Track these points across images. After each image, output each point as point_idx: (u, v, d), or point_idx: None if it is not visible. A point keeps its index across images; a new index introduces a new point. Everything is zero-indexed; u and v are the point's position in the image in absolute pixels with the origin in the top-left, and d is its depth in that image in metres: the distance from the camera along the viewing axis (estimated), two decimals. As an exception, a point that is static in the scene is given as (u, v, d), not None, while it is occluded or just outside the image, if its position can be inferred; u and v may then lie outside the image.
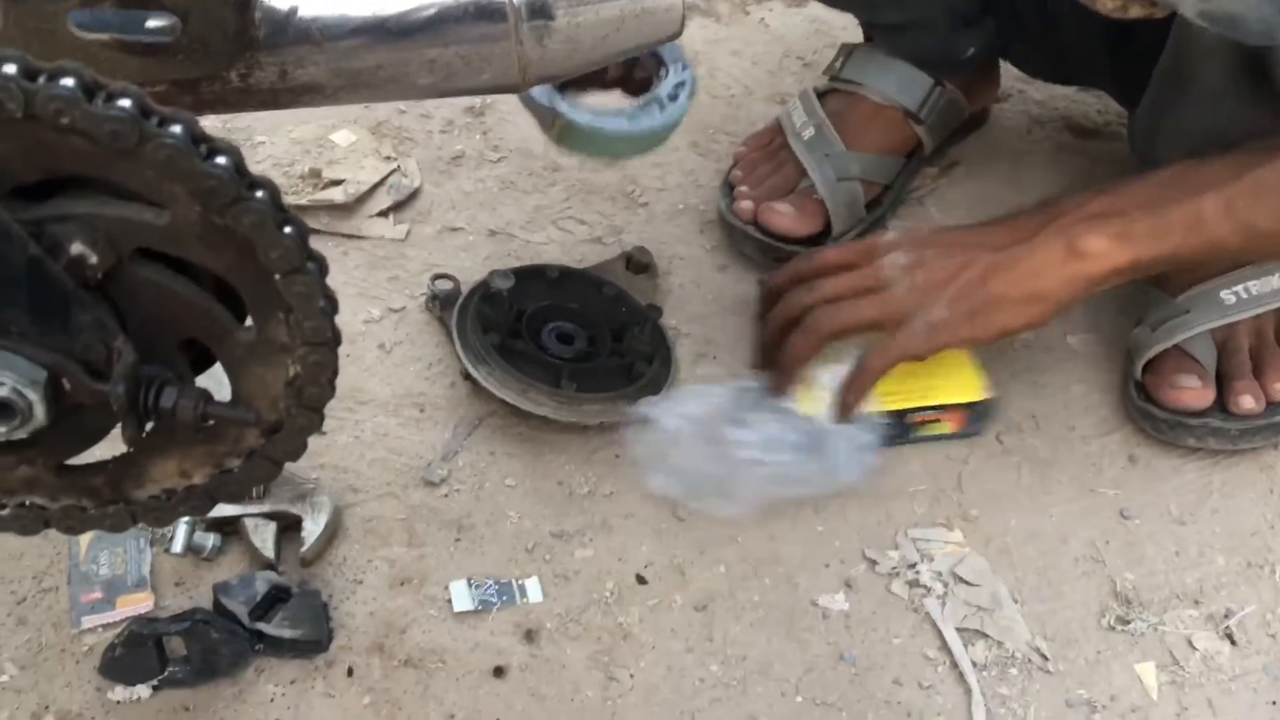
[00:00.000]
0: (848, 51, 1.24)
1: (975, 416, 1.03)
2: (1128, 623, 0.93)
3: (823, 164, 1.17)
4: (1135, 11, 0.53)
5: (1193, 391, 1.03)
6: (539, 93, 0.90)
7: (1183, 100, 0.97)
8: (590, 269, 1.15)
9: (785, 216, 1.16)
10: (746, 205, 1.18)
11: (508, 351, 1.03)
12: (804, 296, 0.96)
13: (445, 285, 1.12)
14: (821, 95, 1.22)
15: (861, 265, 0.96)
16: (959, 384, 1.03)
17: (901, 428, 1.01)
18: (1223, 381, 1.04)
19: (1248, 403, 1.02)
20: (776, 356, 0.97)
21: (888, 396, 0.98)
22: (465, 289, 1.10)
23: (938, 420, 1.01)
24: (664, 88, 0.94)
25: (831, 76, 1.23)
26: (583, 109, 0.92)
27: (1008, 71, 1.33)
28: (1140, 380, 1.06)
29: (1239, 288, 1.04)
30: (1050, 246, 0.91)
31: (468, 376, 1.05)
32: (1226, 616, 0.94)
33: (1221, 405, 1.03)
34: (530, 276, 1.10)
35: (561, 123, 0.92)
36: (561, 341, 1.07)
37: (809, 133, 1.19)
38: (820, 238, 1.17)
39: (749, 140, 1.26)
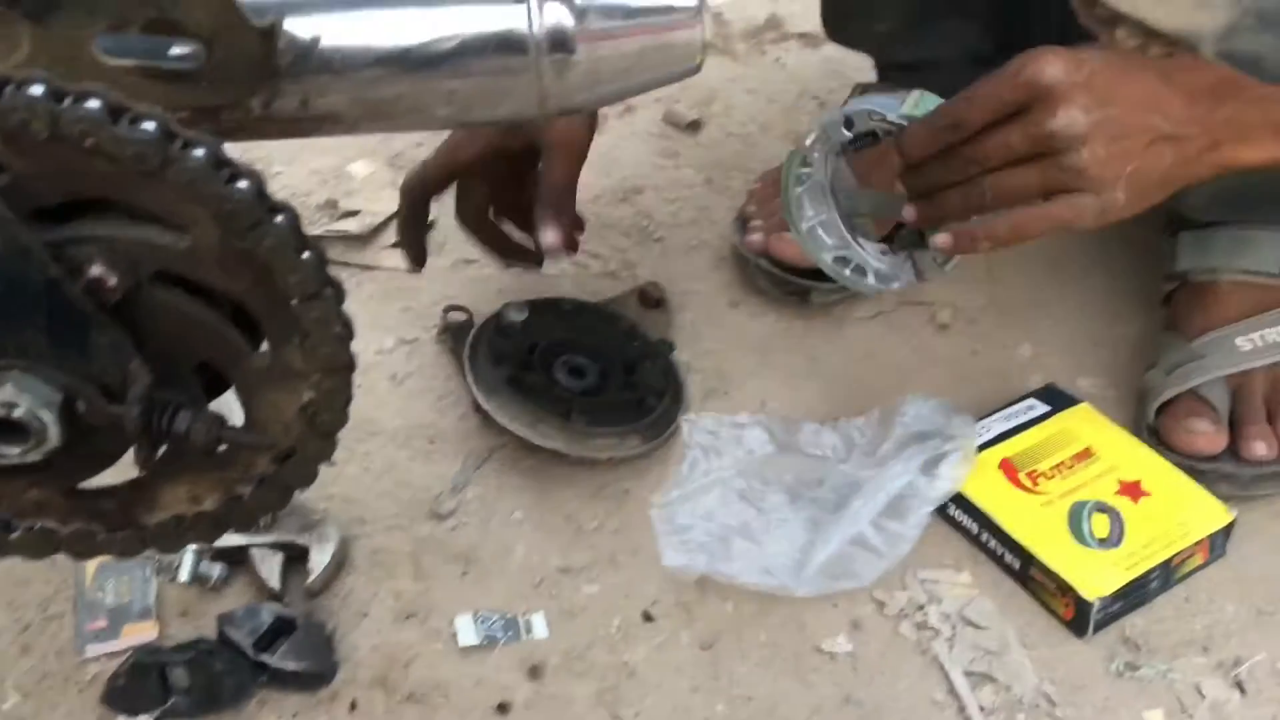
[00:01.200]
0: (860, 90, 1.24)
1: (1220, 539, 0.99)
2: (1136, 669, 0.93)
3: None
4: (1154, 52, 0.54)
5: (1205, 436, 1.02)
6: (885, 265, 0.90)
7: None
8: (604, 303, 1.15)
9: (796, 246, 1.16)
10: (758, 238, 1.18)
11: (519, 384, 1.03)
12: (958, 171, 0.85)
13: (458, 317, 1.12)
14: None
15: (1025, 109, 0.82)
16: (1204, 512, 0.99)
17: (1166, 575, 0.96)
18: (1236, 427, 1.03)
19: (1260, 449, 1.02)
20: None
21: (1144, 550, 0.96)
22: (479, 321, 1.10)
23: (1193, 555, 0.98)
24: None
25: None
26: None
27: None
28: (1153, 424, 1.06)
29: (1255, 335, 1.04)
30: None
31: (479, 409, 1.05)
32: (1236, 664, 0.93)
33: (1234, 451, 1.03)
34: (544, 309, 1.11)
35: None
36: (573, 375, 1.07)
37: (806, 170, 1.19)
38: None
39: (764, 176, 1.26)
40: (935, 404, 1.04)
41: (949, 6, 1.07)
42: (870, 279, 0.93)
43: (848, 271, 0.93)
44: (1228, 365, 1.04)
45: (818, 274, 1.13)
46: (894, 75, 1.24)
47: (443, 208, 1.26)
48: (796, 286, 1.15)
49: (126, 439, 0.62)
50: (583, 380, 1.06)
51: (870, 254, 0.93)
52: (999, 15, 1.15)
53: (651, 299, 1.16)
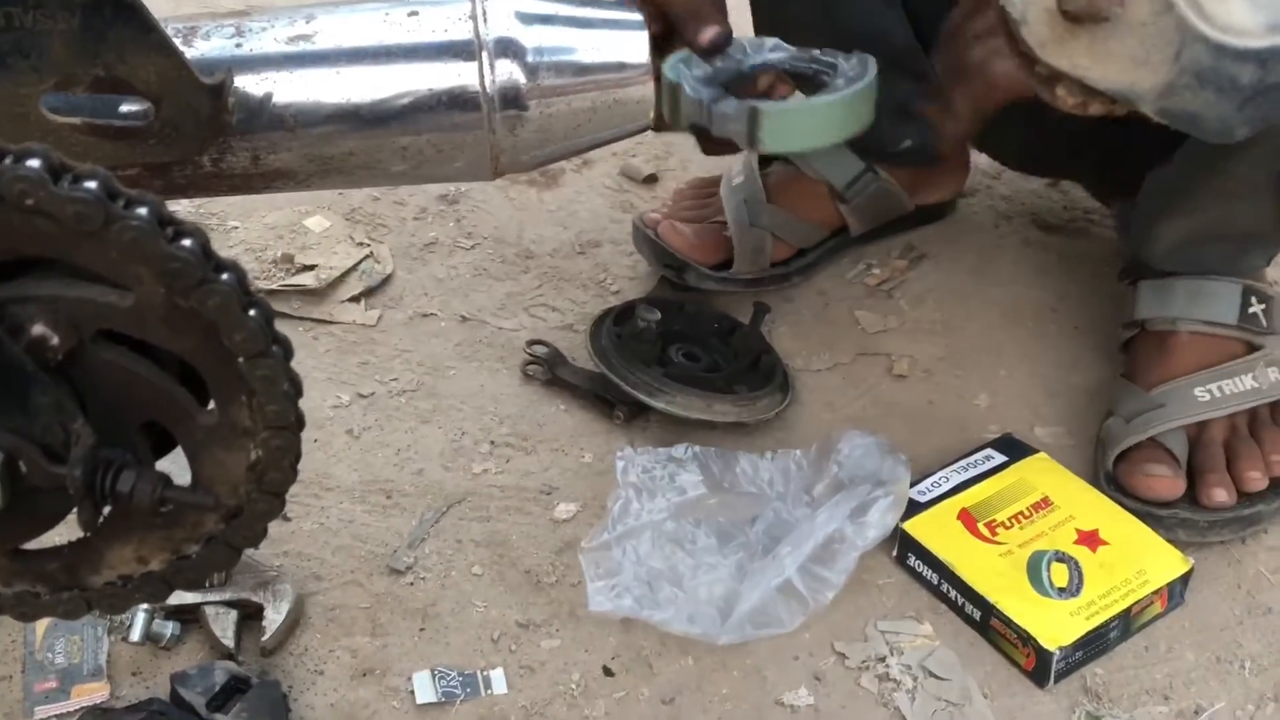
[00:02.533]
0: None
1: (1179, 587, 0.99)
2: (1098, 718, 0.92)
3: (739, 205, 1.23)
4: (1095, 109, 0.54)
5: (1164, 480, 1.03)
6: (729, 104, 0.82)
7: (1199, 189, 0.98)
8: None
9: (682, 236, 1.23)
10: (654, 216, 1.26)
11: (672, 378, 1.10)
12: None
13: (543, 349, 1.17)
14: (766, 160, 1.26)
15: None
16: (1162, 561, 0.98)
17: (1126, 624, 0.96)
18: (1195, 474, 1.04)
19: (1220, 495, 1.02)
20: None
21: (1103, 600, 0.96)
22: (553, 332, 1.19)
23: (1152, 603, 0.98)
24: (841, 74, 0.86)
25: None
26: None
27: (974, 166, 1.35)
28: (1111, 471, 1.06)
29: (1213, 386, 1.05)
30: None
31: (633, 415, 1.12)
32: (1197, 713, 0.93)
33: (1192, 498, 1.03)
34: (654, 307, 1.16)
35: (767, 116, 0.81)
36: (691, 360, 1.14)
37: (738, 179, 1.24)
38: (721, 267, 1.23)
39: (691, 181, 1.32)
40: (871, 442, 1.05)
41: (881, 57, 1.06)
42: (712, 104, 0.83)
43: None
44: (1186, 415, 1.05)
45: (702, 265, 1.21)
46: None
47: (413, 279, 1.26)
48: (675, 262, 1.22)
49: (70, 500, 0.62)
50: (700, 361, 1.14)
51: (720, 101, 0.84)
52: (925, 64, 1.16)
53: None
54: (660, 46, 0.87)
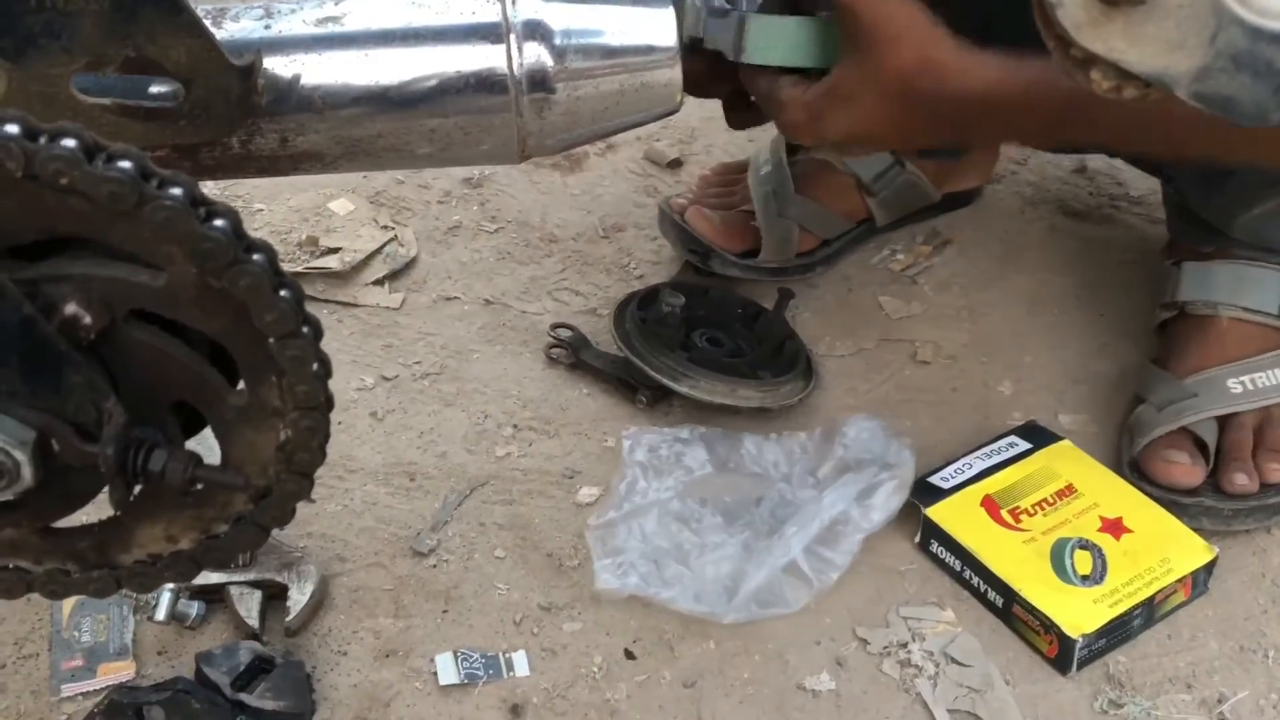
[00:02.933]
0: None
1: (1202, 576, 0.99)
2: (1120, 706, 0.92)
3: (767, 195, 1.22)
4: (1129, 93, 0.54)
5: (1182, 468, 1.03)
6: (721, 12, 0.86)
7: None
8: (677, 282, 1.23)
9: (708, 222, 1.23)
10: (682, 201, 1.25)
11: (697, 363, 1.10)
12: None
13: (567, 332, 1.17)
14: (794, 149, 1.25)
15: None
16: (1187, 549, 0.99)
17: (1149, 612, 0.96)
18: (1220, 460, 1.04)
19: (1240, 480, 1.02)
20: None
21: (1126, 587, 0.96)
22: (577, 316, 1.19)
23: (1176, 591, 0.97)
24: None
25: None
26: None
27: (1000, 152, 1.34)
28: (1135, 458, 1.06)
29: (1246, 378, 1.04)
30: None
31: (656, 399, 1.12)
32: (1220, 701, 0.93)
33: (1215, 485, 1.03)
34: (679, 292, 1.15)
35: (752, 24, 0.86)
36: (714, 345, 1.13)
37: (766, 169, 1.24)
38: (746, 254, 1.23)
39: (716, 167, 1.32)
40: (877, 426, 1.05)
41: None
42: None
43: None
44: (1218, 406, 1.04)
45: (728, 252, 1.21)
46: None
47: (437, 262, 1.26)
48: (700, 247, 1.21)
49: (101, 478, 0.62)
50: (723, 346, 1.14)
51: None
52: None
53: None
54: None
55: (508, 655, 0.94)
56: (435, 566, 1.00)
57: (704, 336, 1.14)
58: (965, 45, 0.84)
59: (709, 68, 0.88)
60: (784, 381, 1.11)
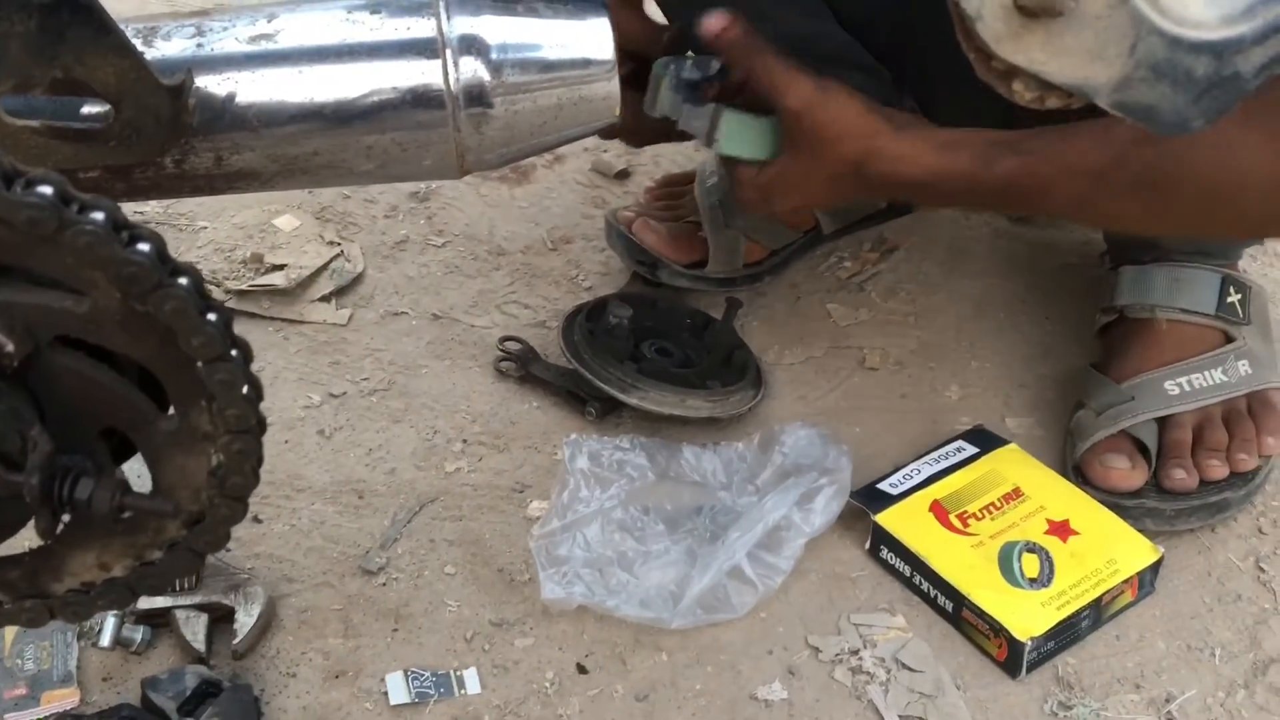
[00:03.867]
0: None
1: (1149, 576, 1.00)
2: (1070, 708, 0.93)
3: (713, 206, 1.23)
4: (1052, 103, 0.54)
5: (1121, 473, 1.04)
6: (692, 109, 0.95)
7: None
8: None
9: (656, 234, 1.23)
10: (628, 214, 1.26)
11: (645, 373, 1.10)
12: None
13: (516, 345, 1.17)
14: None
15: None
16: (1132, 550, 0.99)
17: (1097, 613, 0.97)
18: (1161, 459, 1.05)
19: (1179, 475, 1.03)
20: None
21: (1074, 589, 0.96)
22: (525, 329, 1.18)
23: (1122, 592, 0.98)
24: None
25: None
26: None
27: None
28: (1077, 462, 1.07)
29: (1183, 380, 1.05)
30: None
31: (606, 411, 1.12)
32: (1168, 701, 0.94)
33: (1158, 485, 1.04)
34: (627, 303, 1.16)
35: (727, 120, 0.94)
36: (663, 355, 1.14)
37: (712, 180, 1.24)
38: (694, 265, 1.23)
39: (663, 178, 1.33)
40: (814, 433, 1.06)
41: (819, 58, 1.08)
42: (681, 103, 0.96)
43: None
44: (1155, 409, 1.05)
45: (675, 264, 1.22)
46: None
47: (384, 277, 1.26)
48: (648, 259, 1.22)
49: (28, 508, 0.61)
50: (672, 357, 1.14)
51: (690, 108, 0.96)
52: (872, 60, 1.17)
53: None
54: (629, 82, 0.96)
55: (459, 673, 0.93)
56: (385, 585, 0.99)
57: (653, 347, 1.14)
58: (907, 127, 0.91)
59: (644, 125, 0.98)
60: (733, 391, 1.11)
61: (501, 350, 1.17)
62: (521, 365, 1.16)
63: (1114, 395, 1.06)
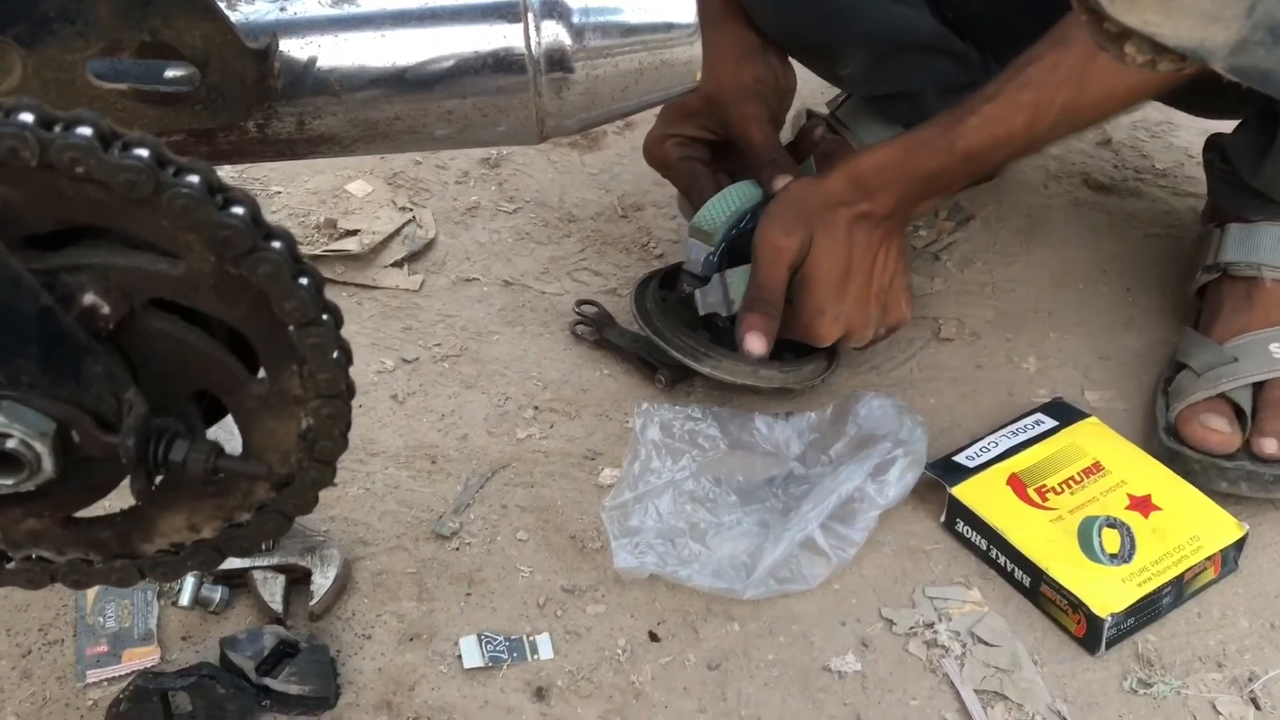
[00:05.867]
0: (848, 94, 1.25)
1: (1232, 553, 0.98)
2: (1150, 686, 0.92)
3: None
4: (1164, 67, 0.53)
5: (1220, 435, 1.02)
6: (699, 281, 1.09)
7: None
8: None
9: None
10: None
11: (720, 344, 1.08)
12: None
13: (592, 309, 1.17)
14: (818, 122, 1.25)
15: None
16: (1216, 526, 0.98)
17: (1178, 590, 0.95)
18: (1254, 425, 1.03)
19: (1270, 446, 1.01)
20: None
21: (1155, 566, 0.95)
22: (598, 295, 1.18)
23: (1205, 569, 0.97)
24: None
25: (831, 111, 1.25)
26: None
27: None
28: (1171, 422, 1.04)
29: None
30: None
31: (676, 379, 1.12)
32: (1250, 680, 0.92)
33: (1247, 450, 1.02)
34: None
35: (732, 280, 1.07)
36: (736, 325, 1.11)
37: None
38: None
39: None
40: (888, 403, 1.05)
41: (910, 47, 1.08)
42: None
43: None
44: (1260, 371, 1.03)
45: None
46: (866, 103, 1.23)
47: (455, 244, 1.26)
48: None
49: (122, 469, 0.62)
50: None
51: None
52: (962, 47, 1.15)
53: None
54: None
55: (532, 638, 0.93)
56: (458, 549, 0.99)
57: (726, 317, 1.13)
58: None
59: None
60: (805, 362, 1.10)
61: (577, 313, 1.17)
62: (596, 329, 1.15)
63: (1216, 355, 1.04)
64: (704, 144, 1.15)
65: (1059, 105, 0.97)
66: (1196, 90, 1.10)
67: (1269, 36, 0.51)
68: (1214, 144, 1.15)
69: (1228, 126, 1.14)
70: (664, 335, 1.09)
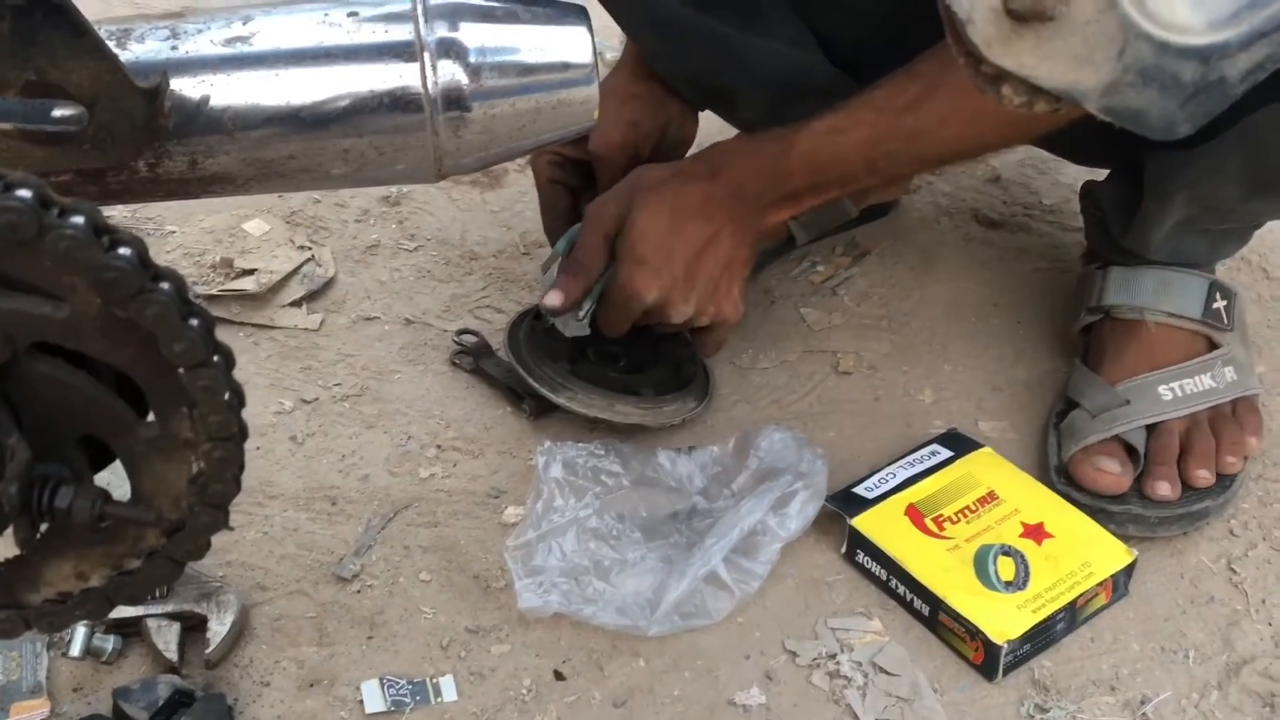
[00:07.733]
0: None
1: (1123, 578, 1.00)
2: (1046, 710, 0.93)
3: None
4: (1040, 108, 0.55)
5: (1112, 476, 1.04)
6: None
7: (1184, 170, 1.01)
8: None
9: None
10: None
11: (579, 375, 1.08)
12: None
13: (471, 339, 1.16)
14: None
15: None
16: (1107, 552, 1.00)
17: (1072, 616, 0.97)
18: (1146, 466, 1.05)
19: (1163, 489, 1.03)
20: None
21: (1049, 592, 0.96)
22: (497, 334, 1.17)
23: (1097, 595, 0.98)
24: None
25: None
26: None
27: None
28: (1063, 463, 1.07)
29: (1176, 385, 1.06)
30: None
31: (540, 410, 1.11)
32: (1143, 703, 0.94)
33: (1139, 490, 1.04)
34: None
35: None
36: (608, 359, 1.11)
37: None
38: None
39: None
40: (789, 436, 1.06)
41: (808, 91, 1.10)
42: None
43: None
44: (1150, 414, 1.06)
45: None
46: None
47: (355, 282, 1.25)
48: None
49: (5, 517, 0.60)
50: (618, 361, 1.11)
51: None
52: (858, 90, 1.17)
53: None
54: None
55: (435, 680, 0.92)
56: (359, 592, 0.98)
57: (597, 351, 1.11)
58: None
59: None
60: (667, 400, 1.10)
61: (456, 342, 1.17)
62: (474, 359, 1.15)
63: (1109, 397, 1.07)
64: (579, 165, 1.15)
65: (903, 130, 0.99)
66: (1058, 137, 1.15)
67: (1139, 78, 0.53)
68: (1089, 191, 1.19)
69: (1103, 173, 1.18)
70: (527, 365, 1.09)
